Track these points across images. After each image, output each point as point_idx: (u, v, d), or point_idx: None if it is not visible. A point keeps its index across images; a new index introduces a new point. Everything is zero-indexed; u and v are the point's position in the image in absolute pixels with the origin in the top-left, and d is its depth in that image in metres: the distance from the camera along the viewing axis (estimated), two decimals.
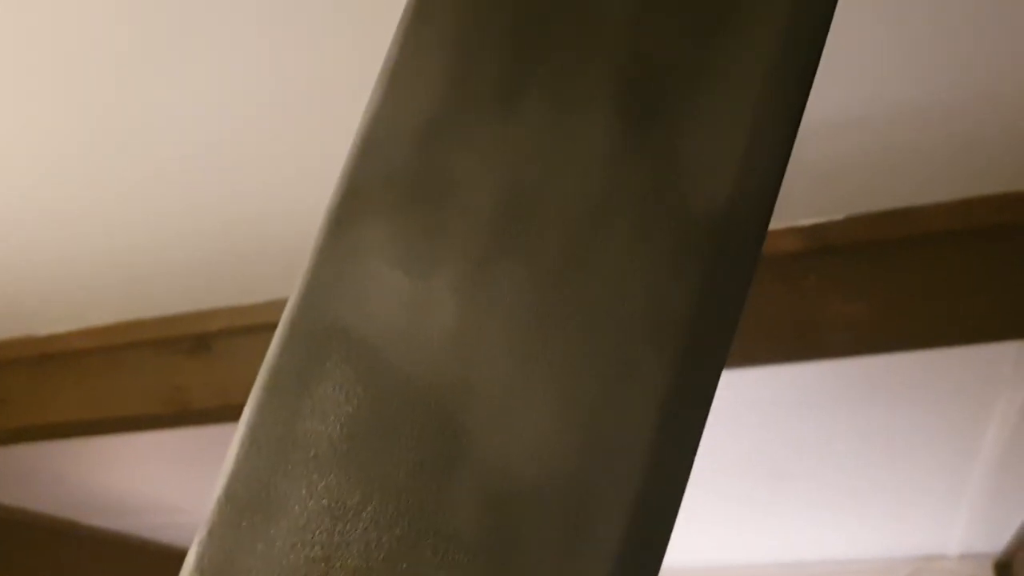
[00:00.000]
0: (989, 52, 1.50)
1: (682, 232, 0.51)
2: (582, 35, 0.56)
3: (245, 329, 2.16)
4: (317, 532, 0.50)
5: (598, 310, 0.50)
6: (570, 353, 0.50)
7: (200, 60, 1.53)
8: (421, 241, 0.55)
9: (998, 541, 3.78)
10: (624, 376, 0.49)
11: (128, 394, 2.32)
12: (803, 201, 1.77)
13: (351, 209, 0.57)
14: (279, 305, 2.05)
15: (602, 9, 0.57)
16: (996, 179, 1.73)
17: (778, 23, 0.53)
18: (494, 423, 0.49)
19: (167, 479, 3.34)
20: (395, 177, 0.57)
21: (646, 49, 0.55)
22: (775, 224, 1.79)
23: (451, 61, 0.58)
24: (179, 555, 4.29)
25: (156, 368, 2.29)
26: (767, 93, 0.52)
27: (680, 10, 0.55)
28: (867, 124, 1.61)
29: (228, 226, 1.92)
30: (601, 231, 0.52)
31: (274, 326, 2.00)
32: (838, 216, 1.79)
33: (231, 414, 2.26)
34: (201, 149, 1.73)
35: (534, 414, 0.49)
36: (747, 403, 2.26)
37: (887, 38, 1.48)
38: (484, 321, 0.52)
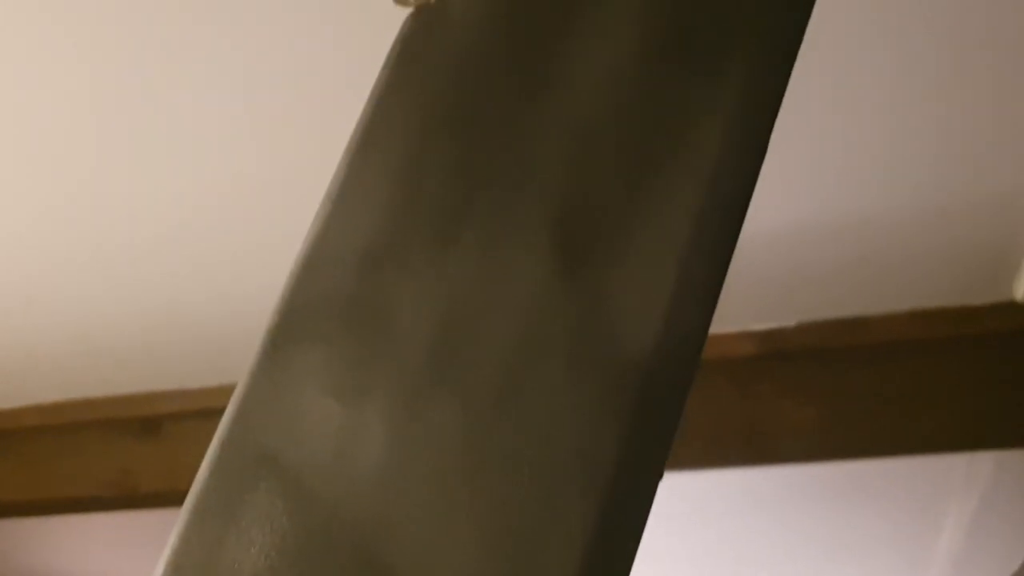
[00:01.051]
0: (938, 165, 1.54)
1: (611, 375, 0.51)
2: (521, 171, 0.57)
3: (196, 412, 2.14)
4: None
5: (527, 450, 0.50)
6: (496, 493, 0.50)
7: (157, 148, 1.54)
8: (356, 369, 0.55)
9: None
10: (549, 518, 0.49)
11: (74, 475, 2.28)
12: (756, 306, 1.79)
13: (288, 332, 0.57)
14: (230, 389, 2.03)
15: (541, 146, 0.58)
16: (947, 292, 1.76)
17: (708, 163, 0.54)
18: (418, 562, 0.49)
19: (113, 562, 3.27)
20: (333, 302, 0.57)
21: (580, 189, 0.56)
22: (729, 328, 1.81)
23: (395, 189, 0.59)
24: None
25: (104, 449, 2.25)
26: (694, 237, 0.53)
27: (615, 151, 0.56)
28: (818, 234, 1.64)
29: (181, 307, 1.91)
30: (533, 370, 0.52)
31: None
32: (790, 323, 1.81)
33: (179, 498, 2.22)
34: (155, 231, 1.73)
35: (459, 553, 0.49)
36: (697, 507, 2.25)
37: (837, 150, 1.52)
38: (413, 455, 0.52)
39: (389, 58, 0.64)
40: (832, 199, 1.59)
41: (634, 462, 0.49)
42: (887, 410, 1.79)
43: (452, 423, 0.52)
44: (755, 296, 1.77)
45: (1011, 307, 1.75)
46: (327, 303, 0.57)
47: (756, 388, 1.80)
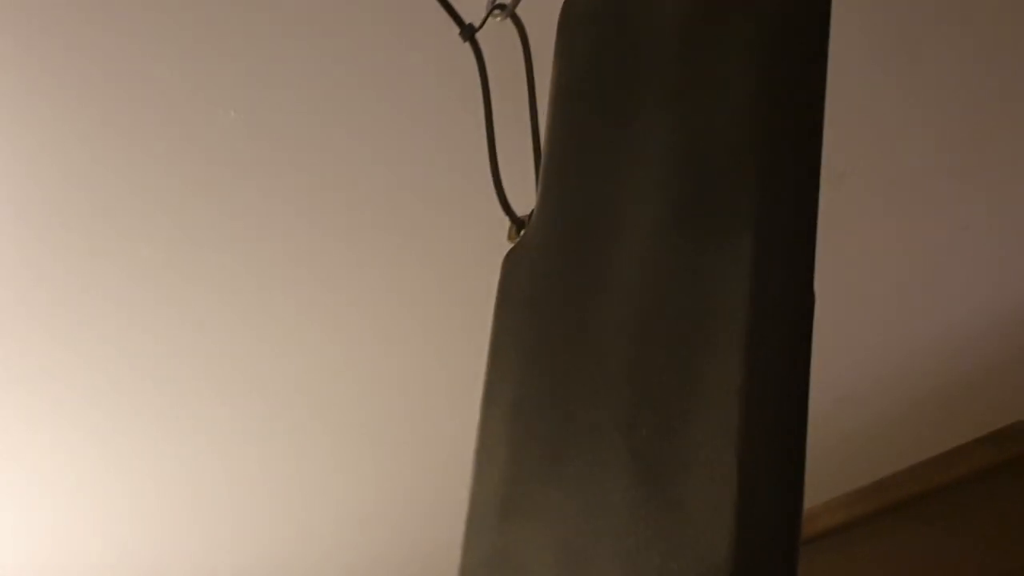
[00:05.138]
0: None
1: None
2: (594, 385, 0.59)
3: None
4: None
5: None
6: None
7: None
8: None
9: None
10: None
11: None
12: None
13: None
14: None
15: (605, 353, 0.59)
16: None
17: (741, 329, 0.53)
18: None
19: None
20: (487, 562, 0.62)
21: (641, 388, 0.56)
22: None
23: (509, 439, 0.63)
24: None
25: None
26: (747, 417, 0.51)
27: (662, 339, 0.56)
28: None
29: None
30: None
31: None
32: None
33: None
34: None
35: None
36: None
37: None
38: None
39: (495, 304, 0.70)
40: None
41: None
42: None
43: None
44: None
45: None
46: (483, 564, 0.62)
47: None
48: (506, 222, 0.70)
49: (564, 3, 0.71)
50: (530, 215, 0.69)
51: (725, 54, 0.61)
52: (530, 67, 0.75)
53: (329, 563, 1.94)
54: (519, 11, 0.75)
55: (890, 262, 1.33)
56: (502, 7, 0.75)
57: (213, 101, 1.16)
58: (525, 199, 0.71)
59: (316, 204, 1.28)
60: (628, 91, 0.66)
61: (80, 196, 1.24)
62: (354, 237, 1.34)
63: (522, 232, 0.70)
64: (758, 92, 0.58)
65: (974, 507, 1.59)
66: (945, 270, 1.38)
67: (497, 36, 0.76)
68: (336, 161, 1.23)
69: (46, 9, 1.07)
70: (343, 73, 1.15)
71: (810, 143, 0.57)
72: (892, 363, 1.50)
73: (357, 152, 1.22)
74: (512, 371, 0.66)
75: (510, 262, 0.70)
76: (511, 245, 0.71)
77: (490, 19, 0.76)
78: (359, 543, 1.86)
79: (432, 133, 1.20)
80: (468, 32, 0.76)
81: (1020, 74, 1.17)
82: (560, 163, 0.69)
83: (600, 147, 0.66)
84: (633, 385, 0.57)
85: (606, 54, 0.68)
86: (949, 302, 1.43)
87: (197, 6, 1.08)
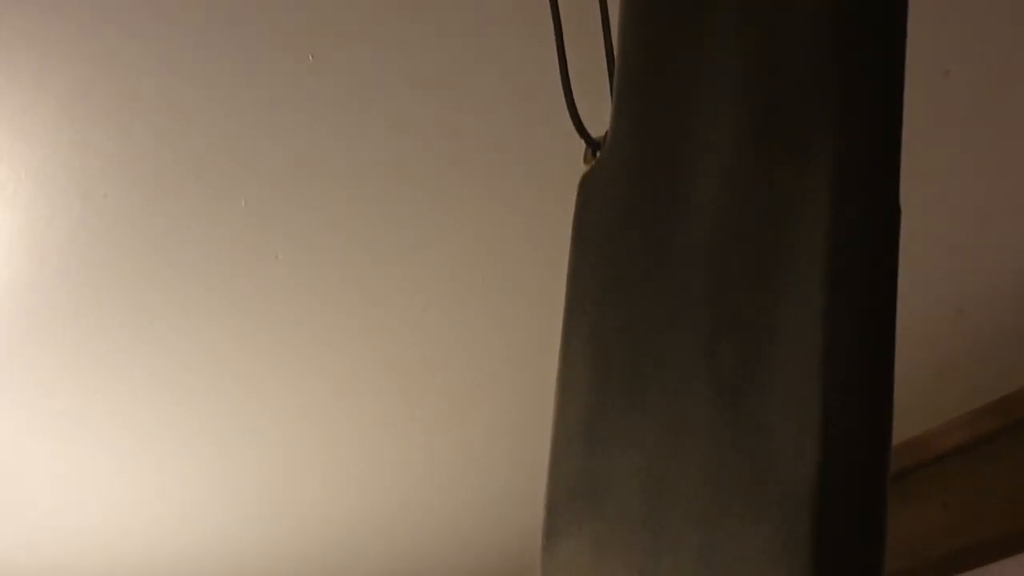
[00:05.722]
0: None
1: (783, 509, 0.49)
2: (672, 308, 0.57)
3: None
4: None
5: None
6: None
7: None
8: (597, 554, 0.58)
9: None
10: None
11: None
12: None
13: (550, 527, 0.62)
14: None
15: (683, 275, 0.57)
16: None
17: (821, 244, 0.50)
18: None
19: None
20: (574, 490, 0.61)
21: (720, 309, 0.54)
22: None
23: (591, 366, 0.62)
24: None
25: None
26: (830, 333, 0.49)
27: (739, 257, 0.54)
28: None
29: None
30: (722, 521, 0.51)
31: None
32: None
33: None
34: None
35: None
36: None
37: None
38: None
39: (572, 233, 0.68)
40: None
41: None
42: None
43: None
44: None
45: None
46: (569, 489, 0.62)
47: None
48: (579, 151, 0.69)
49: None
50: (604, 136, 0.67)
51: None
52: None
53: (444, 503, 1.96)
54: None
55: (1006, 164, 1.26)
56: None
57: None
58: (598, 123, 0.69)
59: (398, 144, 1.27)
60: (702, 9, 0.63)
61: (181, 155, 1.26)
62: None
63: (598, 154, 0.68)
64: None
65: None
66: None
67: None
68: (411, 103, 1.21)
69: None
70: None
71: (893, 47, 0.54)
72: (1014, 271, 1.43)
73: (427, 91, 1.20)
74: (591, 300, 0.65)
75: (586, 188, 0.68)
76: (586, 169, 0.69)
77: None
78: (473, 485, 1.88)
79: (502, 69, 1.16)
80: None
81: None
82: (634, 84, 0.66)
83: (674, 67, 0.64)
84: (713, 308, 0.56)
85: None
86: None
87: None
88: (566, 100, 0.71)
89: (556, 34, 0.72)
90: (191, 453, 1.79)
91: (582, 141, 0.69)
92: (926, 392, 1.61)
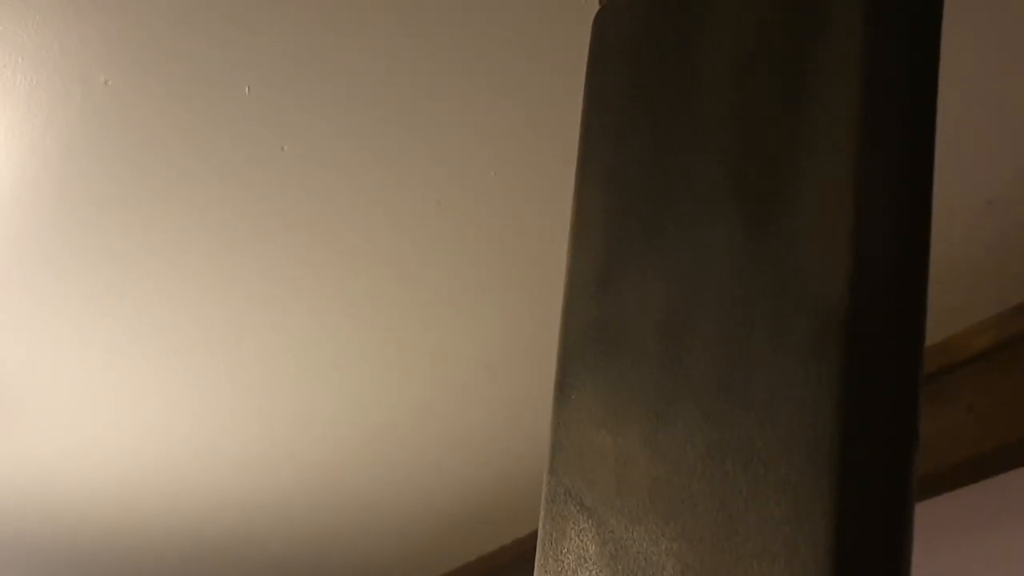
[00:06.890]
0: None
1: (813, 332, 0.45)
2: (696, 131, 0.53)
3: None
4: None
5: (756, 439, 0.47)
6: (735, 492, 0.47)
7: None
8: (613, 395, 0.55)
9: None
10: (786, 500, 0.45)
11: None
12: None
13: (564, 373, 0.59)
14: None
15: (708, 99, 0.53)
16: None
17: (855, 65, 0.46)
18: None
19: None
20: (586, 334, 0.58)
21: (746, 130, 0.51)
22: None
23: (607, 205, 0.59)
24: None
25: None
26: (864, 146, 0.45)
27: (767, 79, 0.50)
28: None
29: None
30: (746, 349, 0.48)
31: None
32: None
33: None
34: None
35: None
36: None
37: None
38: (669, 472, 0.51)
39: (587, 70, 0.64)
40: None
41: (857, 428, 0.44)
42: None
43: (691, 425, 0.50)
44: None
45: None
46: (582, 336, 0.59)
47: None
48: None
49: None
50: None
51: None
52: None
53: (461, 412, 1.95)
54: None
55: None
56: None
57: None
58: None
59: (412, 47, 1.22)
60: None
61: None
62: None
63: None
64: None
65: None
66: None
67: None
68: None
69: None
70: None
71: None
72: None
73: None
74: (607, 135, 0.61)
75: (601, 21, 0.64)
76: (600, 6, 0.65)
77: None
78: (487, 391, 1.86)
79: None
80: None
81: None
82: None
83: None
84: (738, 122, 0.52)
85: None
86: None
87: None
88: None
89: None
90: (197, 361, 1.77)
91: None
92: (951, 292, 1.56)
